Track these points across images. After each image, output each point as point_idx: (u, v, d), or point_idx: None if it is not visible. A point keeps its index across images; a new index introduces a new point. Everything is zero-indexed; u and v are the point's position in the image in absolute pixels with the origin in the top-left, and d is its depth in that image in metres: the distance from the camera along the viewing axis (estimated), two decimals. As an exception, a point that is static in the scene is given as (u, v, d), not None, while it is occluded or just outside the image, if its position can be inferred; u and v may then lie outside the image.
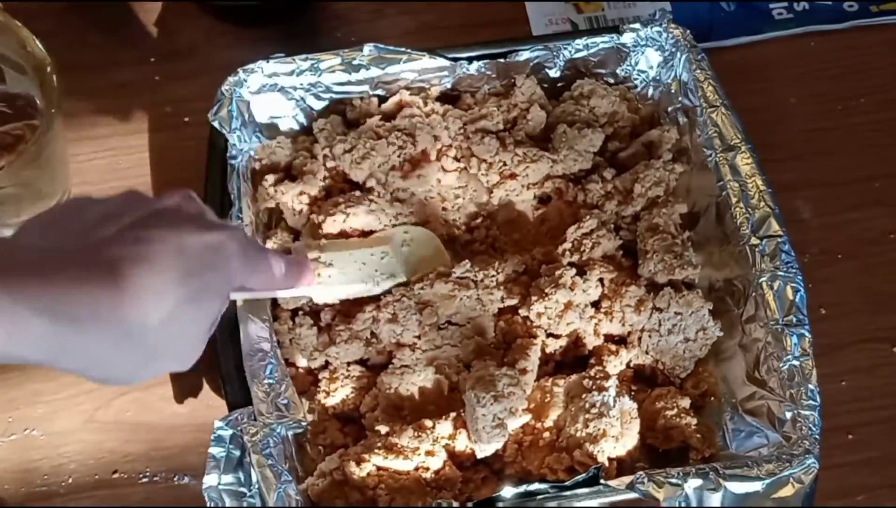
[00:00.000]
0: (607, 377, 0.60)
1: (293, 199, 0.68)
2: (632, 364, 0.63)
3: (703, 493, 0.54)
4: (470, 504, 0.54)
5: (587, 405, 0.58)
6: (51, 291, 0.41)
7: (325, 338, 0.63)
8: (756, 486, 0.54)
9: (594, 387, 0.59)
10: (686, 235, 0.65)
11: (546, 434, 0.59)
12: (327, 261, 0.63)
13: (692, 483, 0.53)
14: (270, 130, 0.72)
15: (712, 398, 0.62)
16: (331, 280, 0.62)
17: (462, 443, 0.58)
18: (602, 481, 0.54)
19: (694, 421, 0.59)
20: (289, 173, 0.70)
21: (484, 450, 0.57)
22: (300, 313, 0.64)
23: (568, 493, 0.54)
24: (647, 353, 0.63)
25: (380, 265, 0.64)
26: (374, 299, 0.63)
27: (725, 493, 0.54)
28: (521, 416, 0.58)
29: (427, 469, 0.58)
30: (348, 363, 0.62)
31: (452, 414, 0.59)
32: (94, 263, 0.43)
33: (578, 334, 0.63)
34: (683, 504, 0.53)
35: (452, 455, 0.59)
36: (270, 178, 0.69)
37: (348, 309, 0.64)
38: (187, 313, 0.45)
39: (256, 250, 0.53)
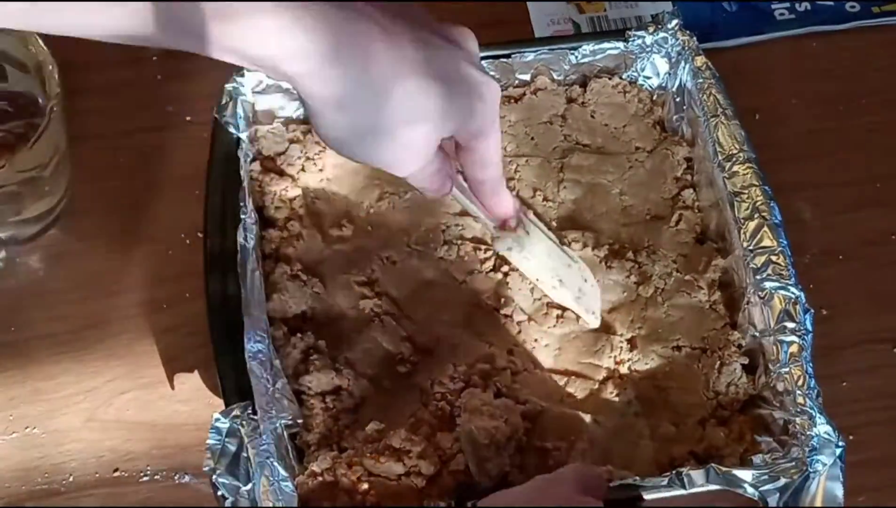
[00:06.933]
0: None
1: (278, 194, 0.68)
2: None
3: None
4: (469, 505, 0.54)
5: None
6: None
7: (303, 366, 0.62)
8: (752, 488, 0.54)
9: None
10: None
11: None
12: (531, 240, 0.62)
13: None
14: (275, 129, 0.72)
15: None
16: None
17: (460, 462, 0.58)
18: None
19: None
20: (278, 164, 0.70)
21: (486, 482, 0.57)
22: (298, 333, 0.63)
23: None
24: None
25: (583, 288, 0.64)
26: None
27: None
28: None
29: (419, 473, 0.57)
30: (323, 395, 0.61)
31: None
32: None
33: None
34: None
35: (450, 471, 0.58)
36: (256, 166, 0.69)
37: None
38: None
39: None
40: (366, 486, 0.56)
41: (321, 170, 0.70)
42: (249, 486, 0.54)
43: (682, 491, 0.54)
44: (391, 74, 0.46)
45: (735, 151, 0.66)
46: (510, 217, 0.61)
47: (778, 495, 0.54)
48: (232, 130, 0.67)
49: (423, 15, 0.50)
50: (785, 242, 0.62)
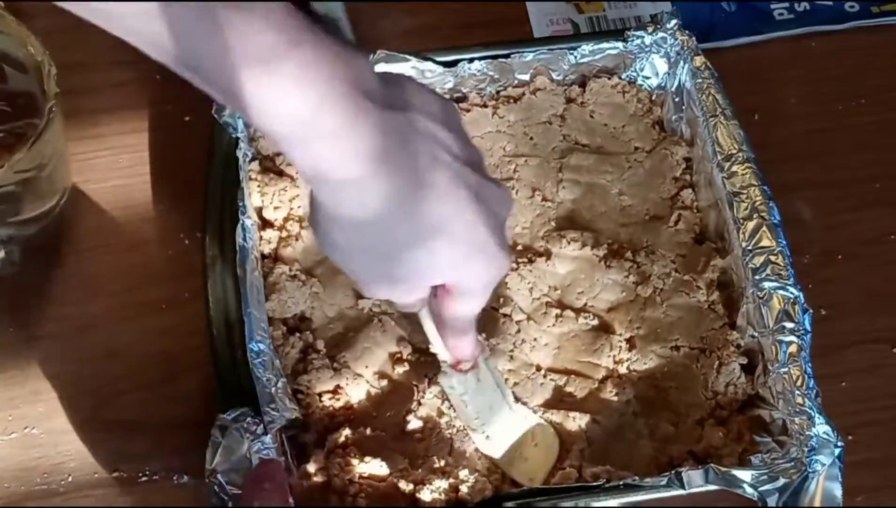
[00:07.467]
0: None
1: (276, 194, 0.68)
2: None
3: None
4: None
5: None
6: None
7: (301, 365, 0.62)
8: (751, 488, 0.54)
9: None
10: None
11: None
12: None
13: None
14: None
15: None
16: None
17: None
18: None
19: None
20: (277, 164, 0.70)
21: None
22: (297, 333, 0.63)
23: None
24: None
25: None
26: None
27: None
28: None
29: (411, 474, 0.57)
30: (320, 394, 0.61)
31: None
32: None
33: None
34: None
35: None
36: (255, 166, 0.68)
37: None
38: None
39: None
40: (357, 487, 0.56)
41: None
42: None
43: (681, 491, 0.54)
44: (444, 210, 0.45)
45: (734, 151, 0.66)
46: (466, 362, 0.57)
47: (777, 495, 0.54)
48: (231, 130, 0.67)
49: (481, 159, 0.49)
50: (784, 242, 0.62)
